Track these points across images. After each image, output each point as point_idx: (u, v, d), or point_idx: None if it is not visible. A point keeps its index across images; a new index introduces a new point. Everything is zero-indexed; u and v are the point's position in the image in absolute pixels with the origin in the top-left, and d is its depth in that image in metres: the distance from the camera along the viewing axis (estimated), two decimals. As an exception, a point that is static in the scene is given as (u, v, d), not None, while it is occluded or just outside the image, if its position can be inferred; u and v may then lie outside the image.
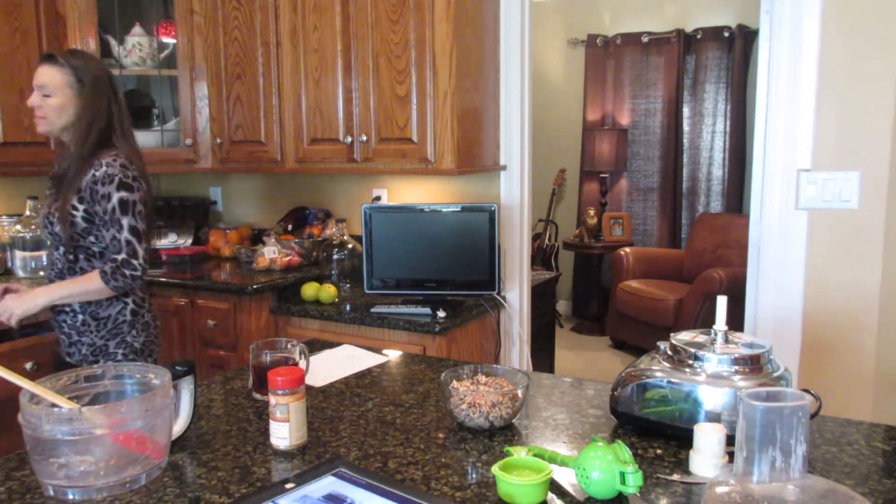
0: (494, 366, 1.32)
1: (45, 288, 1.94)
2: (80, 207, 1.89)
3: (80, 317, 1.94)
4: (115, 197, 1.87)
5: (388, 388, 1.45)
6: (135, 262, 1.90)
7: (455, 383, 1.24)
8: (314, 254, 3.02)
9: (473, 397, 1.19)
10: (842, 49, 2.14)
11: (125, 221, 1.88)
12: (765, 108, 2.33)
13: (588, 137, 5.53)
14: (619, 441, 0.99)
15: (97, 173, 1.88)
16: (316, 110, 2.84)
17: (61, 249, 1.96)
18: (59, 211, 1.90)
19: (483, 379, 1.27)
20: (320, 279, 2.75)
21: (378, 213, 2.55)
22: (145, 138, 3.25)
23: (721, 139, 5.26)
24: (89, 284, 1.89)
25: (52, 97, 1.91)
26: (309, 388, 1.41)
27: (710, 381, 1.11)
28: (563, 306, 5.90)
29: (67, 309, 1.95)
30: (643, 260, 5.04)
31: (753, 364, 1.12)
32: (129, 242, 1.89)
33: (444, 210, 2.51)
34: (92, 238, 1.93)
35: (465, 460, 1.10)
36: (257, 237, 3.34)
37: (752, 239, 2.42)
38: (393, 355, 1.69)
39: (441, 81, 2.53)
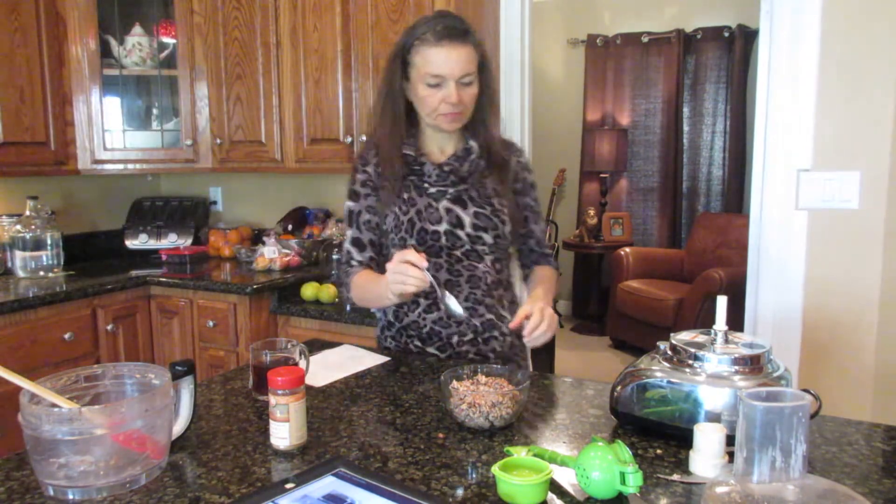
0: (494, 366, 1.32)
1: (544, 294, 1.58)
2: (514, 201, 1.66)
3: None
4: (536, 186, 1.72)
5: (388, 388, 1.45)
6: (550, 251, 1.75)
7: (455, 383, 1.24)
8: (314, 254, 3.02)
9: (473, 397, 1.19)
10: (842, 49, 2.14)
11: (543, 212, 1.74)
12: (765, 108, 2.33)
13: (588, 137, 5.53)
14: (619, 441, 0.99)
15: (522, 159, 1.70)
16: (316, 110, 2.84)
17: (487, 260, 1.61)
18: (508, 213, 1.62)
19: (483, 379, 1.26)
20: (320, 279, 2.75)
21: (378, 213, 2.54)
22: (145, 138, 3.25)
23: (721, 139, 5.26)
24: (555, 279, 1.69)
25: (473, 84, 1.56)
26: (309, 388, 1.41)
27: (710, 381, 1.11)
28: (563, 306, 5.90)
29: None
30: (643, 260, 5.04)
31: (753, 364, 1.12)
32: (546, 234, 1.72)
33: (444, 210, 2.50)
34: (520, 235, 1.70)
35: (465, 460, 1.10)
36: (257, 237, 3.34)
37: (752, 239, 2.42)
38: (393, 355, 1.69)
39: (441, 81, 2.53)
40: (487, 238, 1.59)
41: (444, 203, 1.60)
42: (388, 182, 1.62)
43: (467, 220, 1.58)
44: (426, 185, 1.62)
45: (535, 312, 1.44)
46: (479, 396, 1.19)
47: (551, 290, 1.63)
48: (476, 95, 1.57)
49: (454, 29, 1.52)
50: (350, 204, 1.67)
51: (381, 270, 1.57)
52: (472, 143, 1.62)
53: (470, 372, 1.29)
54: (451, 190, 1.60)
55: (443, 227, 1.58)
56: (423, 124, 1.63)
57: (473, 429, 1.20)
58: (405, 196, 1.61)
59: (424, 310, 1.61)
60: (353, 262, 1.67)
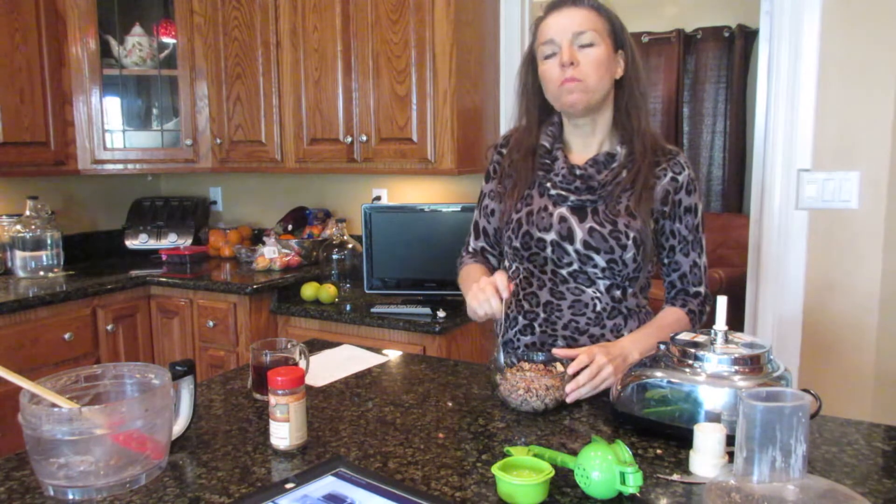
0: (532, 354, 1.37)
1: (633, 339, 1.39)
2: (652, 226, 1.43)
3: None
4: (700, 210, 1.45)
5: (388, 388, 1.45)
6: (705, 291, 1.50)
7: (502, 371, 1.30)
8: (314, 254, 3.02)
9: (527, 382, 1.25)
10: (842, 49, 2.14)
11: (704, 242, 1.48)
12: (765, 108, 2.33)
13: (588, 137, 5.52)
14: (619, 441, 0.99)
15: (679, 177, 1.43)
16: (316, 110, 2.84)
17: (599, 284, 1.43)
18: (637, 238, 1.39)
19: (526, 366, 1.33)
20: (320, 279, 2.75)
21: (378, 213, 2.55)
22: (145, 138, 3.25)
23: (721, 139, 5.26)
24: (677, 328, 1.40)
25: (596, 47, 1.35)
26: (309, 388, 1.41)
27: (710, 381, 1.11)
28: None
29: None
30: (643, 260, 5.03)
31: (753, 364, 1.12)
32: (706, 271, 1.49)
33: (444, 210, 2.51)
34: (663, 265, 1.51)
35: (465, 460, 1.10)
36: (257, 237, 3.34)
37: (752, 239, 2.42)
38: (393, 355, 1.69)
39: (441, 81, 2.53)
40: (599, 261, 1.40)
41: (561, 210, 1.42)
42: (515, 173, 1.49)
43: (579, 235, 1.39)
44: (549, 184, 1.44)
45: (592, 368, 1.28)
46: (532, 381, 1.25)
47: (653, 336, 1.36)
48: (599, 61, 1.35)
49: None
50: (482, 184, 1.59)
51: (499, 262, 1.55)
52: (619, 149, 1.43)
53: (510, 361, 1.36)
54: (573, 197, 1.41)
55: (550, 237, 1.41)
56: (564, 119, 1.48)
57: (527, 412, 1.26)
58: (525, 192, 1.47)
59: (520, 330, 1.48)
60: (469, 249, 1.61)
